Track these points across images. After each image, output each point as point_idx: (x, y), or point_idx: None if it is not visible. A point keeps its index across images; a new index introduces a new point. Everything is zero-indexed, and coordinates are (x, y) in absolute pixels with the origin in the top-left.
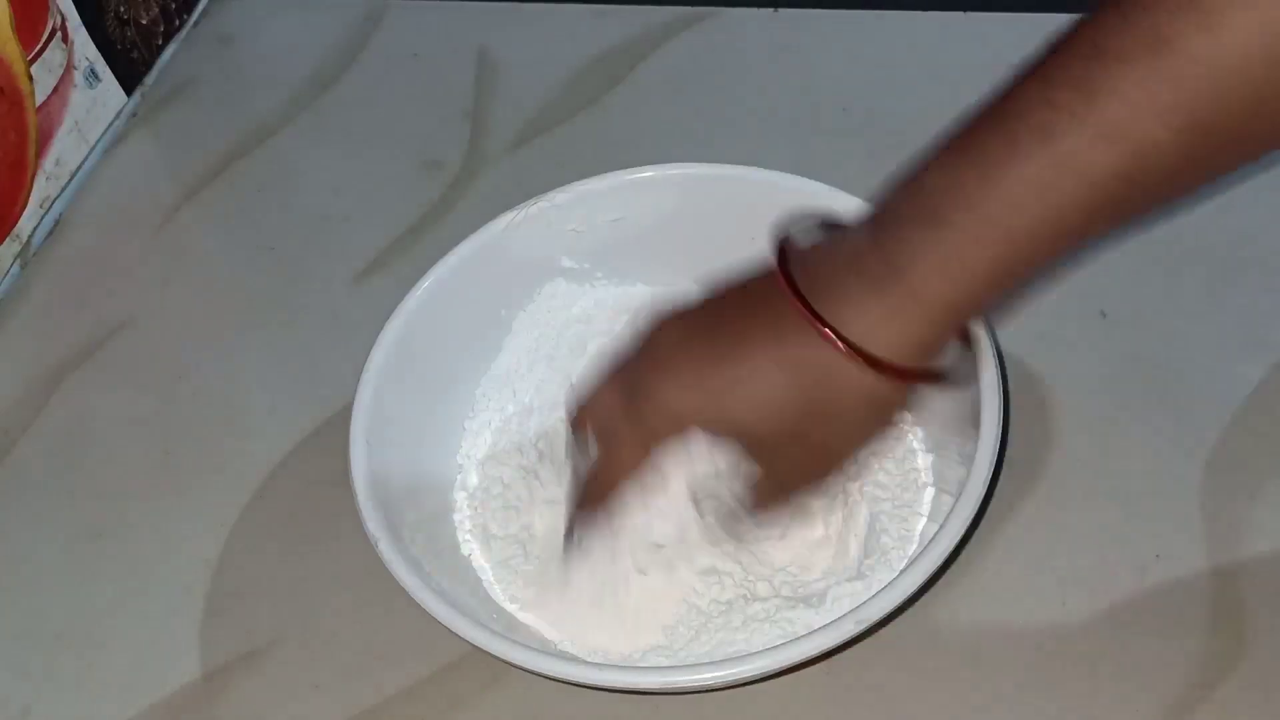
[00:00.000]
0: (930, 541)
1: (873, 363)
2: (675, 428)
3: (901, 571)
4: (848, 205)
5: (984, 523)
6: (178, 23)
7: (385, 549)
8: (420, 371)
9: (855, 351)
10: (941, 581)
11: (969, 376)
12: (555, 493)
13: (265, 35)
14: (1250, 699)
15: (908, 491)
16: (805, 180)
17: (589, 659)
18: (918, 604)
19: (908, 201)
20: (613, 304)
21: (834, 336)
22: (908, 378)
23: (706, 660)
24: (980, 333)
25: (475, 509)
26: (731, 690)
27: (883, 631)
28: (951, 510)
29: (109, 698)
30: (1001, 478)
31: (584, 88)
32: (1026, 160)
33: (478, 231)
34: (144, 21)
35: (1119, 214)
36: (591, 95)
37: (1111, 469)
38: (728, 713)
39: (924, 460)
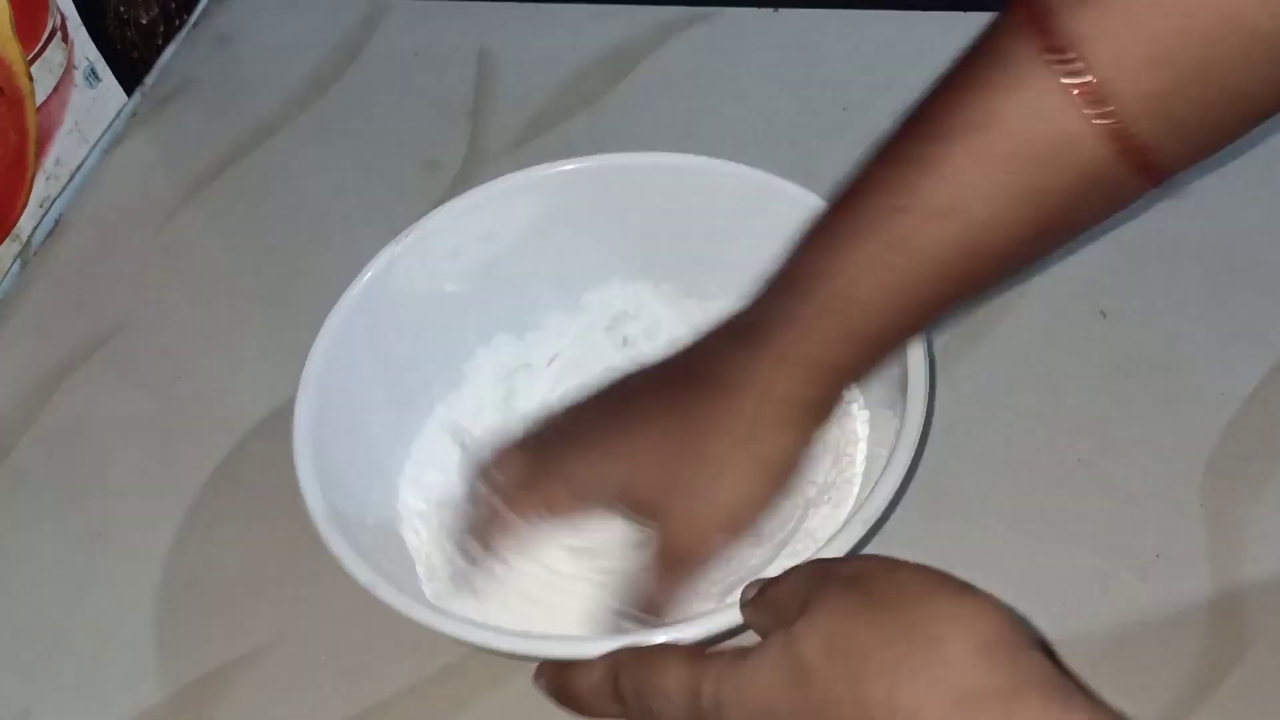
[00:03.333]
0: (883, 471)
1: None
2: (576, 503)
3: (848, 521)
4: (735, 174)
5: (984, 522)
6: (178, 23)
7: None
8: (357, 407)
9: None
10: None
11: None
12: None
13: (265, 35)
14: (1250, 699)
15: (843, 485)
16: (682, 156)
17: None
18: None
19: (783, 275)
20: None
21: None
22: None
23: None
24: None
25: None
26: None
27: None
28: (893, 451)
29: (109, 698)
30: (1001, 478)
31: (584, 88)
32: (867, 238)
33: (362, 271)
34: (144, 21)
35: (965, 284)
36: (591, 95)
37: (1111, 469)
38: None
39: (861, 451)
